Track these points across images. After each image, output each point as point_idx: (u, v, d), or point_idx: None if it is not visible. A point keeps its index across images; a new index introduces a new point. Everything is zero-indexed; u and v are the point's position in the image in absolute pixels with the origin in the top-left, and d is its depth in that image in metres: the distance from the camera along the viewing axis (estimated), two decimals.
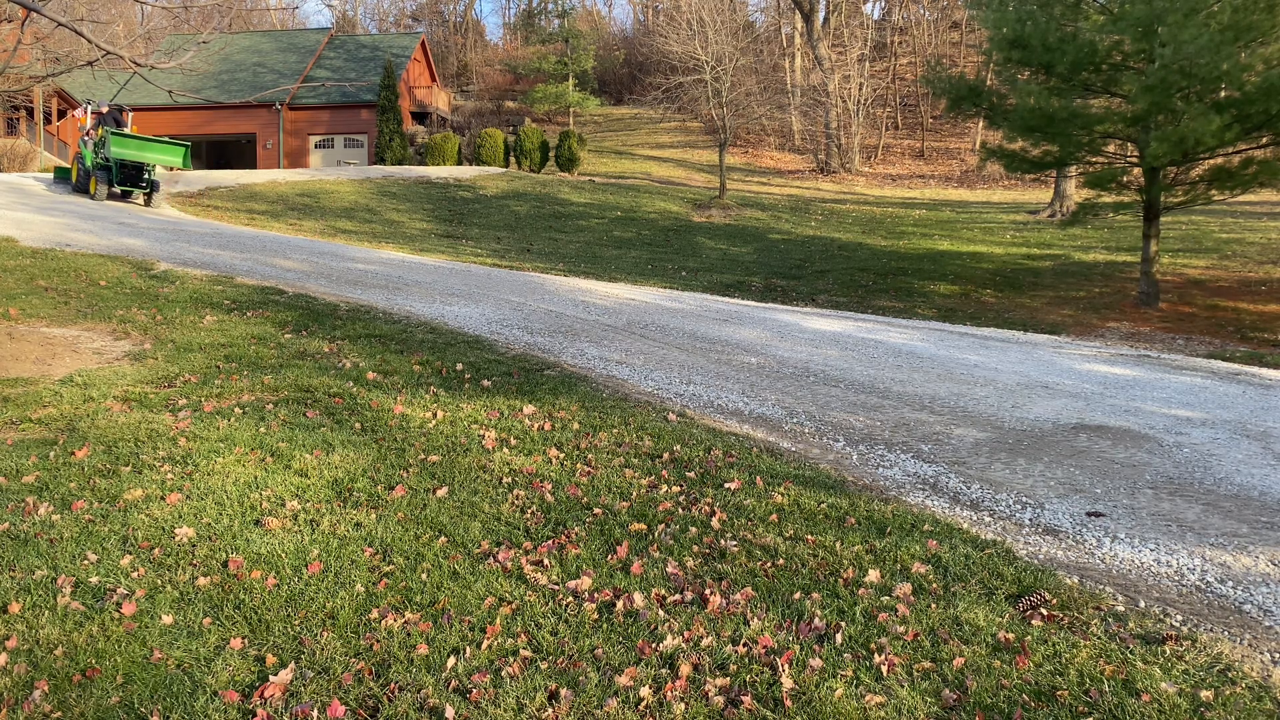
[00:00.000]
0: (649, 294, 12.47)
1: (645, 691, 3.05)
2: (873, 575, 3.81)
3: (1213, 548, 4.19)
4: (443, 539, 4.17)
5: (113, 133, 19.32)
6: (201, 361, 7.03)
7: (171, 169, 20.62)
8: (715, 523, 4.34)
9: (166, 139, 21.02)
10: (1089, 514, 4.57)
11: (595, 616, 3.52)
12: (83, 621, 3.47)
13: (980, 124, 33.90)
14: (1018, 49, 14.95)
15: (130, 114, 21.39)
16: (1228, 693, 3.03)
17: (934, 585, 3.75)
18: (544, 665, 3.21)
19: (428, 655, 3.27)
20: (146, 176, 19.74)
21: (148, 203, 19.83)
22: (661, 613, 3.54)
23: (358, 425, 5.64)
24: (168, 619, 3.49)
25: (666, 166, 38.05)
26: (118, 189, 19.73)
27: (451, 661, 3.23)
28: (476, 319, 9.16)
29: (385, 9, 64.55)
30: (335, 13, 61.22)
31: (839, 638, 3.36)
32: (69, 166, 22.72)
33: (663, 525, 4.33)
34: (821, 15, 42.08)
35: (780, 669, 3.16)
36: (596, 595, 3.67)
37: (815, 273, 18.94)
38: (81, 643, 3.34)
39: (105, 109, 20.90)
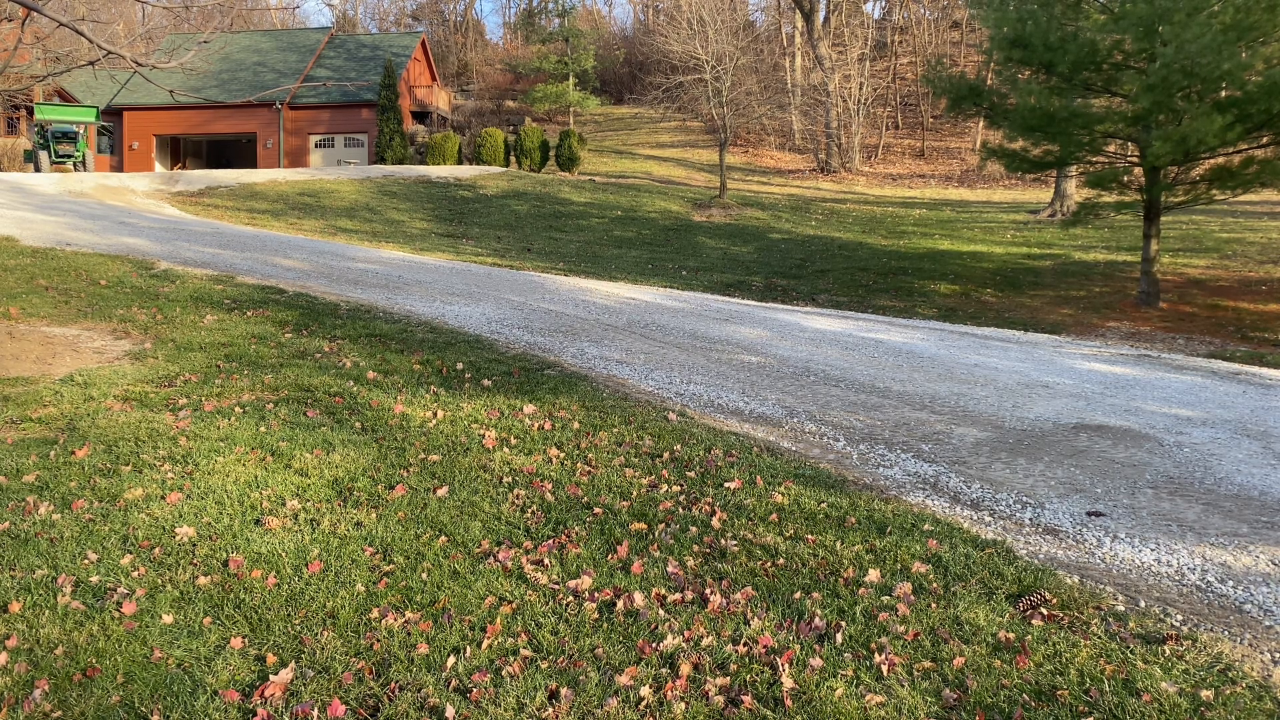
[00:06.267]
0: (649, 293, 12.47)
1: (646, 691, 3.05)
2: (873, 575, 3.81)
3: (1213, 547, 4.19)
4: (443, 538, 4.17)
5: (38, 104, 29.11)
6: (202, 361, 7.03)
7: (88, 125, 29.77)
8: (715, 522, 4.33)
9: (80, 105, 30.74)
10: (1089, 513, 4.57)
11: (596, 616, 3.52)
12: (83, 621, 3.47)
13: (981, 123, 33.87)
14: (1018, 48, 14.94)
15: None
16: (1228, 692, 3.03)
17: (934, 585, 3.74)
18: (544, 664, 3.21)
19: (428, 654, 3.27)
20: (77, 153, 28.39)
21: (84, 168, 28.08)
22: (662, 612, 3.54)
23: (358, 425, 5.64)
24: (168, 618, 3.49)
25: (667, 166, 38.04)
26: (54, 160, 28.11)
27: (452, 661, 3.23)
28: (477, 318, 9.16)
29: (385, 8, 64.53)
30: (335, 12, 61.24)
31: (839, 637, 3.36)
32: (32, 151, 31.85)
33: (663, 525, 4.33)
34: (822, 14, 42.07)
35: (781, 668, 3.16)
36: (597, 594, 3.67)
37: (815, 272, 18.94)
38: (82, 642, 3.34)
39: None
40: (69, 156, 28.44)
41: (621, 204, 28.04)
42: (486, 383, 6.65)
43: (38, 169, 28.17)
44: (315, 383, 6.46)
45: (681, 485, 4.80)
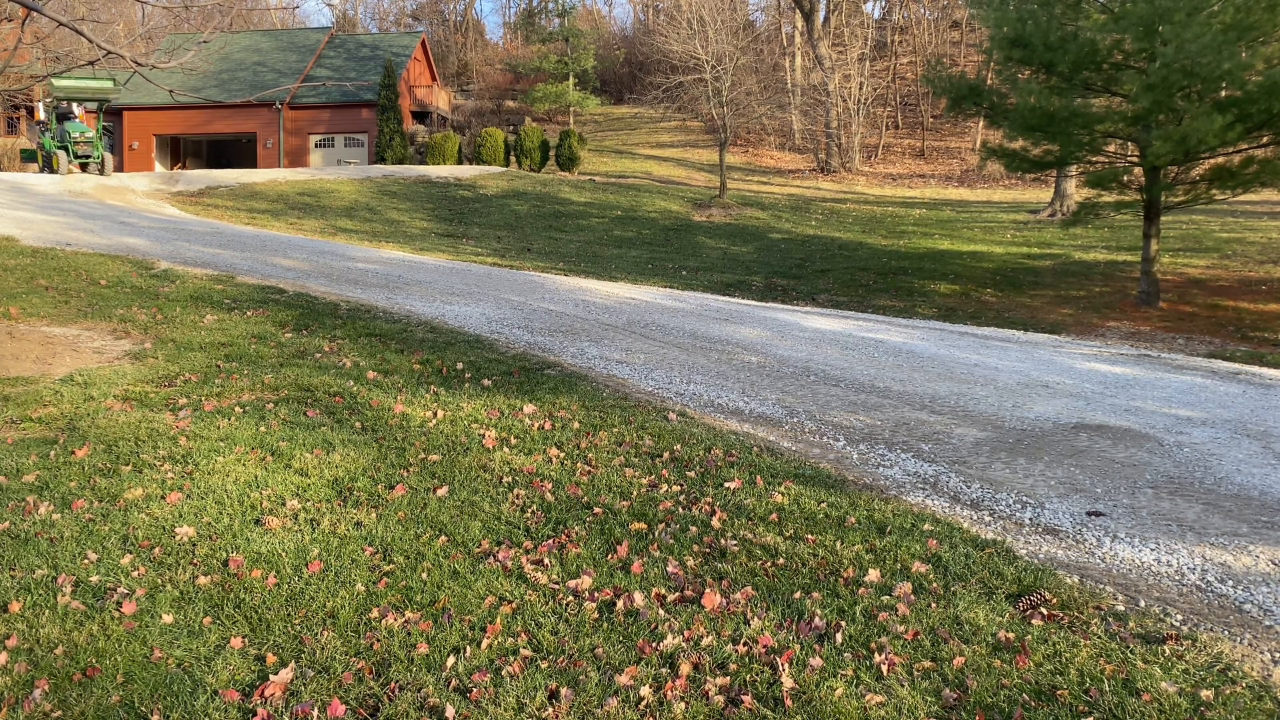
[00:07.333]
0: (649, 293, 12.47)
1: (645, 691, 3.05)
2: (873, 574, 3.81)
3: (1213, 547, 4.19)
4: (443, 538, 4.17)
5: (53, 76, 25.69)
6: (202, 360, 7.03)
7: (105, 102, 28.18)
8: (715, 522, 4.33)
9: (93, 76, 27.80)
10: (1089, 513, 4.57)
11: (595, 616, 3.52)
12: (83, 620, 3.47)
13: (981, 123, 33.89)
14: (1018, 48, 14.94)
15: (77, 108, 28.46)
16: (1228, 692, 3.03)
17: (934, 585, 3.74)
18: (544, 664, 3.21)
19: (428, 654, 3.27)
20: (96, 155, 26.73)
21: (101, 172, 26.38)
22: (662, 612, 3.54)
23: (358, 424, 5.64)
24: (168, 618, 3.49)
25: (667, 166, 38.04)
26: (75, 162, 26.52)
27: (452, 660, 3.23)
28: (477, 318, 9.16)
29: (385, 8, 64.52)
30: (335, 12, 61.22)
31: (839, 637, 3.36)
32: (32, 149, 29.58)
33: (663, 524, 4.32)
34: (822, 14, 42.06)
35: (780, 668, 3.16)
36: (597, 594, 3.67)
37: (816, 272, 18.94)
38: (82, 642, 3.34)
39: (52, 99, 28.07)
40: (87, 158, 26.82)
41: (621, 204, 28.04)
42: (486, 382, 6.65)
43: (52, 170, 26.27)
44: (315, 382, 6.46)
45: (681, 485, 4.80)
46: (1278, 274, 17.69)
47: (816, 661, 3.20)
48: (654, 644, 3.31)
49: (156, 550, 4.01)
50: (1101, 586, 3.78)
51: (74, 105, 27.91)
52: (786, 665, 3.18)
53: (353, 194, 26.59)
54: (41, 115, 28.59)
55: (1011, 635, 3.36)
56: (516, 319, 9.25)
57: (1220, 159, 15.02)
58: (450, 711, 2.95)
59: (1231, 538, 4.29)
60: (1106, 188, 15.66)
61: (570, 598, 3.65)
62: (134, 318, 8.44)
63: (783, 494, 4.67)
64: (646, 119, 44.97)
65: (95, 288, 9.67)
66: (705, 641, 3.33)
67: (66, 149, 26.44)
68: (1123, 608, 3.59)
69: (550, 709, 2.97)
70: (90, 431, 5.40)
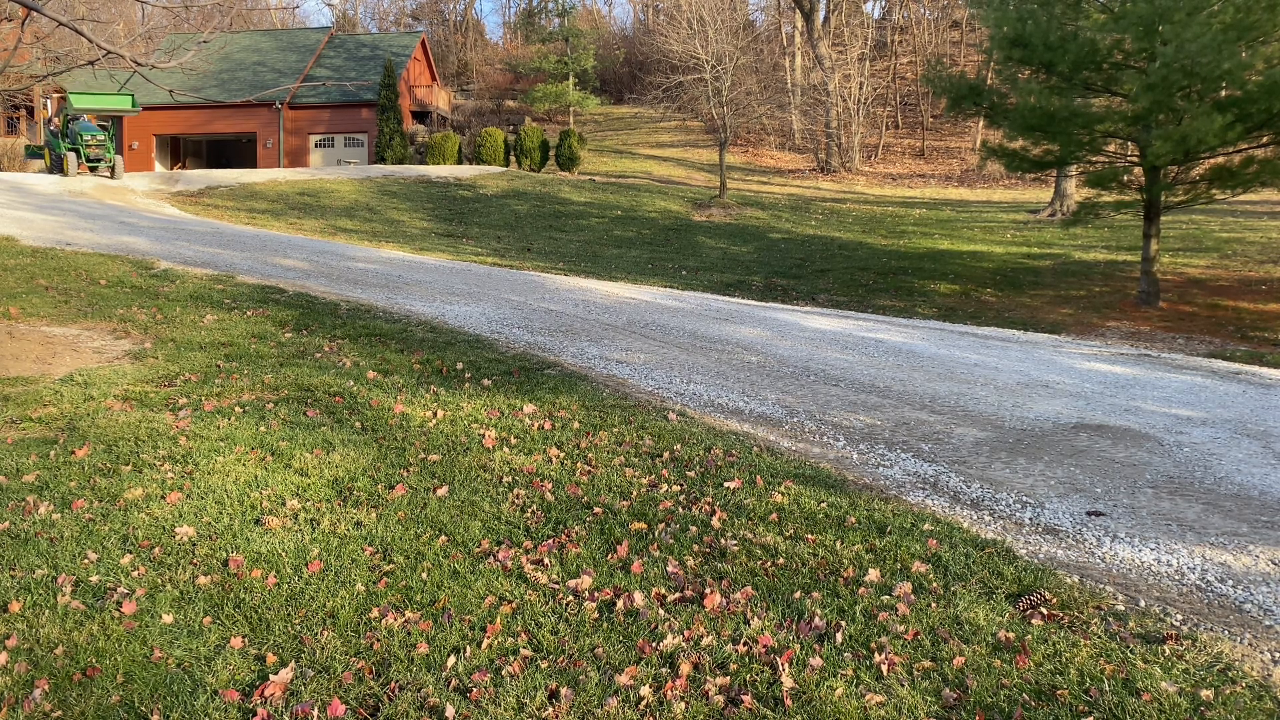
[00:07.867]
0: (649, 293, 12.47)
1: (645, 690, 3.05)
2: (873, 574, 3.81)
3: (1213, 547, 4.19)
4: (443, 538, 4.17)
5: (72, 92, 26.66)
6: (202, 360, 7.03)
7: (123, 116, 28.47)
8: (715, 522, 4.33)
9: (114, 93, 28.64)
10: (1089, 513, 4.57)
11: (595, 615, 3.52)
12: (83, 620, 3.47)
13: (981, 123, 33.87)
14: (1018, 48, 14.94)
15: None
16: (1228, 692, 3.03)
17: (934, 584, 3.74)
18: (544, 664, 3.21)
19: (428, 654, 3.27)
20: (108, 158, 26.31)
21: (112, 175, 25.91)
22: (662, 612, 3.54)
23: (358, 424, 5.64)
24: (168, 618, 3.49)
25: (667, 166, 38.04)
26: (84, 162, 26.07)
27: (452, 660, 3.23)
28: (477, 318, 9.16)
29: (385, 8, 64.53)
30: (335, 12, 61.21)
31: (839, 637, 3.36)
32: (38, 146, 29.52)
33: (663, 524, 4.32)
34: (822, 14, 42.06)
35: (780, 668, 3.16)
36: (597, 594, 3.67)
37: (815, 272, 18.94)
38: (82, 642, 3.34)
39: (68, 115, 27.95)
40: (98, 160, 26.08)
41: (621, 204, 28.04)
42: (486, 382, 6.65)
43: (63, 172, 25.68)
44: (315, 382, 6.46)
45: (681, 485, 4.80)
46: (1278, 274, 17.69)
47: (816, 661, 3.20)
48: (654, 644, 3.31)
49: (156, 550, 4.01)
50: (1101, 586, 3.78)
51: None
52: (786, 665, 3.18)
53: (352, 194, 26.59)
54: (48, 113, 28.19)
55: (1011, 635, 3.36)
56: (516, 319, 9.25)
57: (1220, 159, 15.02)
58: (450, 711, 2.96)
59: (1231, 537, 4.29)
60: (1106, 188, 15.66)
61: (570, 598, 3.65)
62: (134, 317, 8.44)
63: (783, 494, 4.67)
64: (646, 119, 44.97)
65: (95, 287, 9.67)
66: (705, 641, 3.33)
67: (78, 151, 26.11)
68: (1123, 607, 3.59)
69: (550, 709, 2.97)
70: (90, 431, 5.40)
